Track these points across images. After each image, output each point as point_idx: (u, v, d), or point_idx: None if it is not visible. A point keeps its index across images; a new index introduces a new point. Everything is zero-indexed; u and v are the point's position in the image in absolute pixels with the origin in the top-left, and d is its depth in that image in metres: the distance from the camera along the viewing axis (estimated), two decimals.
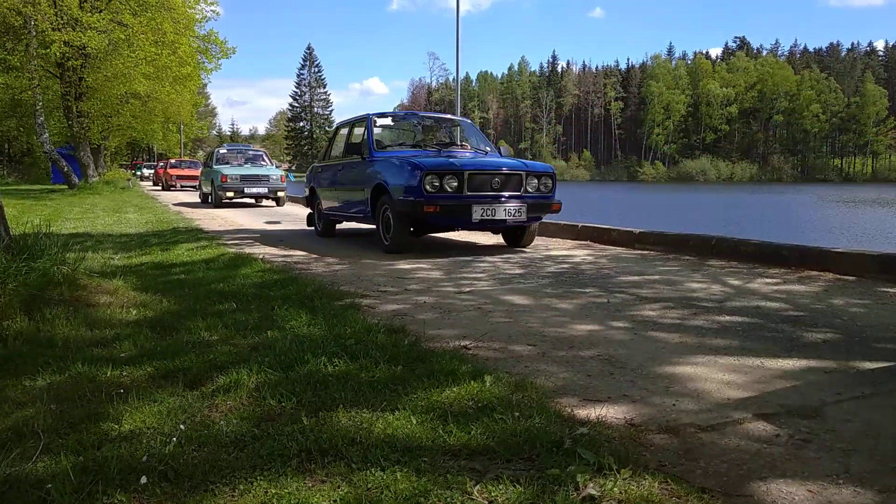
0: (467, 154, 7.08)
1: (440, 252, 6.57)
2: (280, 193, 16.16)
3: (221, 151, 17.66)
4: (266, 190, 15.89)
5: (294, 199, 17.61)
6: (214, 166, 16.53)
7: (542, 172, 6.47)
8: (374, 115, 7.54)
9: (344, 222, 8.28)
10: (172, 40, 20.74)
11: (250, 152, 17.94)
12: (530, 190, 6.33)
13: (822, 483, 1.67)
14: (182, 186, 28.09)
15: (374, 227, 6.83)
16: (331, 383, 2.32)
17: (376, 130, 7.41)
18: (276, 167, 17.56)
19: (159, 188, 30.75)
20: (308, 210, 9.20)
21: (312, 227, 8.93)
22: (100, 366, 2.60)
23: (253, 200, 16.70)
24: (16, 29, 19.50)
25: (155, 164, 47.04)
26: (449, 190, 5.95)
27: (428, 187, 5.89)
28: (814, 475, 1.71)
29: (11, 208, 11.70)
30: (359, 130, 7.77)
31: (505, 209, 6.07)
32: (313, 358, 2.58)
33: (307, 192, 9.04)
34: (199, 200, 18.62)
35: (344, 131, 8.32)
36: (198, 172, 27.62)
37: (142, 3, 20.46)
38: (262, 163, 17.39)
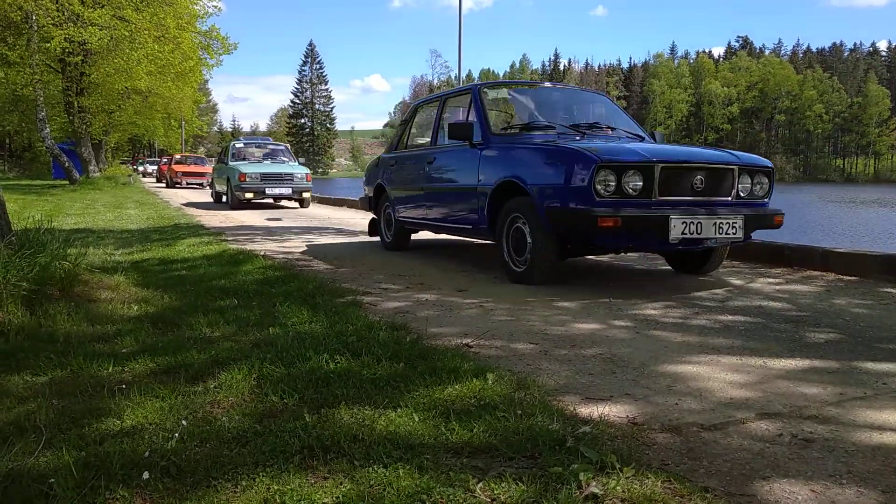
0: (628, 142, 4.92)
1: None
2: (305, 194, 14.37)
3: (238, 145, 15.75)
4: (290, 190, 14.02)
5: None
6: (230, 162, 14.58)
7: (759, 167, 4.48)
8: (482, 84, 5.64)
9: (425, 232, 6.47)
10: (175, 35, 20.73)
11: (270, 146, 16.10)
12: (743, 194, 4.38)
13: (825, 483, 1.66)
14: (188, 184, 27.12)
15: (487, 241, 5.31)
16: (333, 380, 2.31)
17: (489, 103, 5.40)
18: (300, 163, 15.63)
19: (163, 185, 29.87)
20: (371, 215, 7.21)
21: (377, 237, 7.06)
22: (101, 361, 2.60)
23: (271, 200, 14.83)
24: (17, 24, 19.49)
25: (158, 159, 46.13)
26: (632, 193, 4.01)
27: (601, 188, 3.96)
28: (817, 475, 1.70)
29: (13, 203, 11.69)
30: (456, 108, 5.89)
31: (716, 223, 4.07)
32: (315, 355, 2.58)
33: (368, 193, 7.12)
34: (210, 200, 17.13)
35: (430, 110, 6.34)
36: (205, 169, 27.18)
37: None
38: (284, 158, 15.57)
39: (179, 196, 19.93)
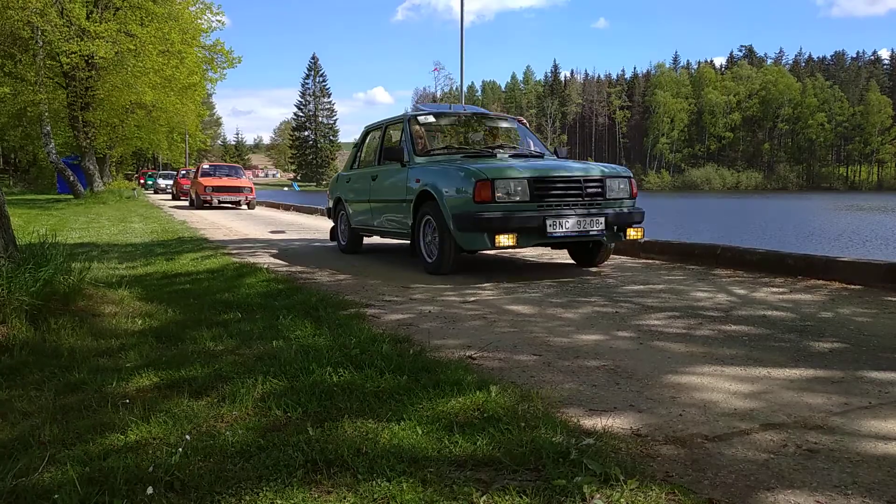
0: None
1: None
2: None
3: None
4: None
5: (299, 209, 17.53)
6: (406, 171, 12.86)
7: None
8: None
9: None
10: (179, 50, 20.89)
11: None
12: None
13: (829, 494, 1.65)
14: (220, 202, 19.64)
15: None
16: (336, 393, 2.31)
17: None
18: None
19: (183, 204, 22.89)
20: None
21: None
22: (105, 376, 2.61)
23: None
24: (24, 40, 19.66)
25: (174, 172, 40.68)
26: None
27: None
28: (822, 486, 1.69)
29: (17, 218, 11.74)
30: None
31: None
32: (318, 368, 2.59)
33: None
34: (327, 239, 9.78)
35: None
36: (242, 182, 20.30)
37: (149, 14, 20.63)
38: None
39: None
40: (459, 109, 7.43)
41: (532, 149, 6.68)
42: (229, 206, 19.88)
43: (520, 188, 5.12)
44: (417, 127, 6.49)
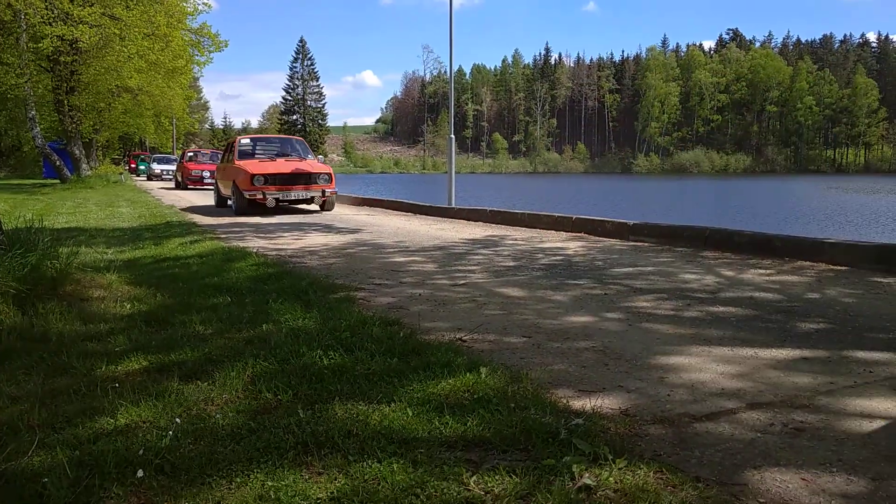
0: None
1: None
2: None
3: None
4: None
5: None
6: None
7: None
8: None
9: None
10: (165, 33, 20.65)
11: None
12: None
13: (815, 471, 1.68)
14: (283, 202, 11.14)
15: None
16: (326, 376, 2.32)
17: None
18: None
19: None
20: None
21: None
22: (94, 360, 2.60)
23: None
24: (6, 23, 19.36)
25: (172, 156, 35.30)
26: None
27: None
28: (807, 464, 1.72)
29: (3, 203, 11.64)
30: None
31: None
32: (309, 351, 2.59)
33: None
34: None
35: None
36: (313, 166, 11.43)
37: None
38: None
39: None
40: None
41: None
42: (293, 205, 11.68)
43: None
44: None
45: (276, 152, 12.35)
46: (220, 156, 22.32)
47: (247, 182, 10.67)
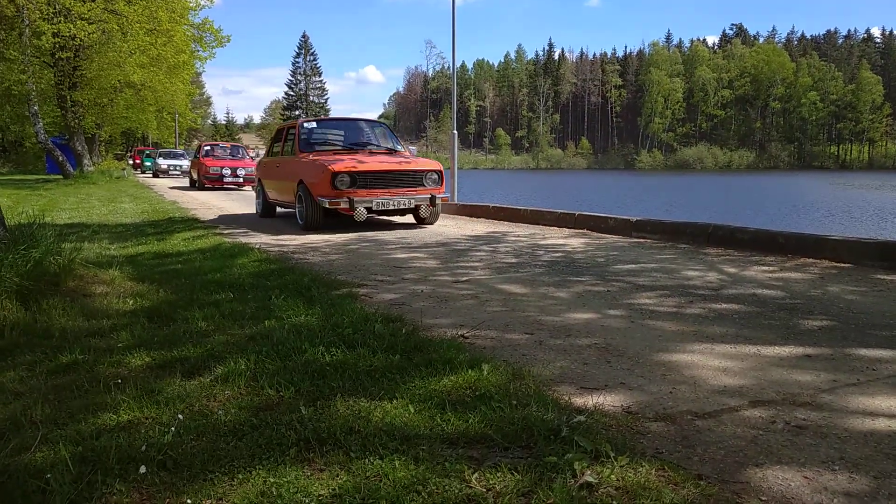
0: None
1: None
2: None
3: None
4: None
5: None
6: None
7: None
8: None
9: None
10: (167, 28, 20.62)
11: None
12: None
13: (817, 469, 1.68)
14: (381, 211, 7.73)
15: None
16: (328, 372, 2.32)
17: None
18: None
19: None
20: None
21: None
22: (97, 356, 2.60)
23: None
24: (9, 19, 19.36)
25: (181, 150, 33.35)
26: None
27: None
28: (810, 461, 1.72)
29: (6, 198, 11.67)
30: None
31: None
32: (311, 347, 2.59)
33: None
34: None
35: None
36: (415, 163, 8.09)
37: None
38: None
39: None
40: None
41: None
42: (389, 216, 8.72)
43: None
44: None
45: (354, 142, 8.82)
46: (241, 150, 20.55)
47: (326, 184, 7.34)
